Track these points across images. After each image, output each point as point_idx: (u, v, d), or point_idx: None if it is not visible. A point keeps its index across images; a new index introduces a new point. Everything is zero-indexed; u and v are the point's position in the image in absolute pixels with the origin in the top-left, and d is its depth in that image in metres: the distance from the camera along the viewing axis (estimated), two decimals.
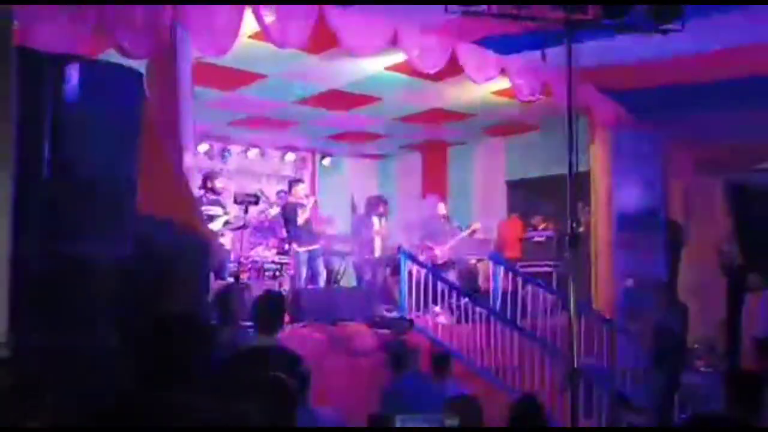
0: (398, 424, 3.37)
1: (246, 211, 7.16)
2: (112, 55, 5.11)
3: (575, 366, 4.32)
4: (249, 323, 4.59)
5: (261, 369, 3.15)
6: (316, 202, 8.74)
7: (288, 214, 8.37)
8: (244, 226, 7.89)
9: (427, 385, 5.33)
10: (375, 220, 9.15)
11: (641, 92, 7.83)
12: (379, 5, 5.94)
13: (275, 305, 4.20)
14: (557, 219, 9.18)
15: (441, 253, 9.06)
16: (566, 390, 4.90)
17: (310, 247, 8.30)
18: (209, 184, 7.70)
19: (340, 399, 5.20)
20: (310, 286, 8.24)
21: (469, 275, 9.50)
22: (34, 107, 3.13)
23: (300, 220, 8.22)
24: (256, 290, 6.30)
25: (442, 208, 9.44)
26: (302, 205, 8.31)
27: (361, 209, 10.10)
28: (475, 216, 10.12)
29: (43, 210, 3.19)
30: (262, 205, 10.07)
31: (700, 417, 2.90)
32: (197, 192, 7.14)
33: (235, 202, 7.33)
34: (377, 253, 9.08)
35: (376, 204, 9.33)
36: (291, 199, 8.58)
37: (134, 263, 3.48)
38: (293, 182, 9.02)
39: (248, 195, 7.40)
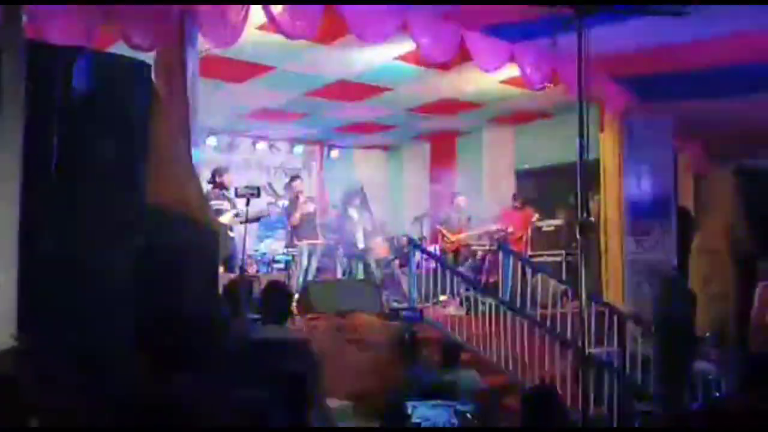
0: (408, 410, 3.36)
1: (248, 204, 7.12)
2: (121, 47, 5.10)
3: (586, 355, 4.29)
4: (257, 315, 4.59)
5: (272, 360, 3.14)
6: (312, 198, 8.87)
7: (289, 209, 8.56)
8: (258, 219, 7.94)
9: (437, 376, 5.33)
10: (353, 212, 9.11)
11: (652, 79, 7.76)
12: None
13: (280, 296, 4.20)
14: (565, 208, 9.14)
15: (454, 241, 9.26)
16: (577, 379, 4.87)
17: (311, 242, 8.41)
18: (218, 179, 7.71)
19: (350, 390, 5.20)
20: (318, 279, 8.27)
21: (473, 265, 9.53)
22: (42, 100, 3.12)
23: (295, 216, 8.37)
24: (264, 283, 6.31)
25: (461, 201, 9.63)
26: (299, 201, 8.48)
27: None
28: (484, 206, 10.10)
29: (52, 203, 3.19)
30: (269, 198, 10.10)
31: (714, 404, 2.88)
32: (206, 186, 7.15)
33: (236, 195, 7.33)
34: (360, 245, 9.07)
35: (353, 196, 9.34)
36: (291, 194, 8.75)
37: (143, 256, 3.48)
38: (293, 178, 9.18)
39: (248, 188, 7.36)
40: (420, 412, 3.44)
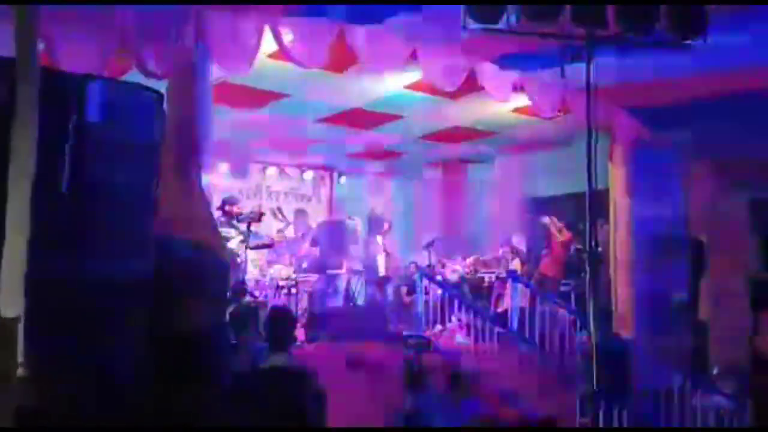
0: None
1: (248, 228, 7.31)
2: (134, 75, 5.17)
3: (595, 388, 4.24)
4: (263, 341, 4.58)
5: (277, 388, 3.13)
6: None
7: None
8: (270, 245, 7.98)
9: (444, 405, 5.28)
10: (378, 239, 9.20)
11: (661, 109, 7.77)
12: (398, 24, 5.96)
13: (283, 322, 4.20)
14: (575, 237, 9.09)
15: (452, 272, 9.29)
16: (587, 413, 4.81)
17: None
18: (227, 208, 7.79)
19: (356, 418, 5.16)
20: (327, 305, 8.25)
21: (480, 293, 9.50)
22: (55, 126, 3.15)
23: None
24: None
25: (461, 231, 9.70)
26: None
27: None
28: (494, 234, 10.08)
29: (62, 227, 3.20)
30: (280, 224, 10.12)
31: None
32: (215, 213, 7.21)
33: (238, 220, 7.47)
34: (381, 272, 9.10)
35: (379, 223, 9.40)
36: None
37: (153, 282, 3.48)
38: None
39: (251, 213, 7.63)
40: None
